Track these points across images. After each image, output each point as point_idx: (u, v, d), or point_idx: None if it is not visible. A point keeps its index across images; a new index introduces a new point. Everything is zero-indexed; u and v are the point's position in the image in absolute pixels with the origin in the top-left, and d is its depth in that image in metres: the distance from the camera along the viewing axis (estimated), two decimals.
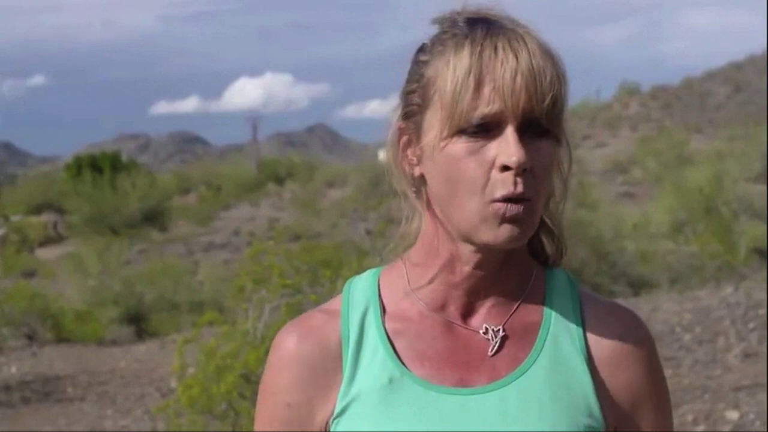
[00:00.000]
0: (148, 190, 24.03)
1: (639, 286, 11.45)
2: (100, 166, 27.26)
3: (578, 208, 12.41)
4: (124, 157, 31.16)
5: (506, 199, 1.23)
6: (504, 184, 1.23)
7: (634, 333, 1.34)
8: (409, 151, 1.33)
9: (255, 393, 5.80)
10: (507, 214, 1.23)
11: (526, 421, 1.27)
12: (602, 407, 1.31)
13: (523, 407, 1.28)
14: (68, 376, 9.84)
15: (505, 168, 1.23)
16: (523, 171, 1.23)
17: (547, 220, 1.38)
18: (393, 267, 1.39)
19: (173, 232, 23.77)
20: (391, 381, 1.30)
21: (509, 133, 1.23)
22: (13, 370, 10.23)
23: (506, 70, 1.22)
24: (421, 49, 1.32)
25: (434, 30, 1.32)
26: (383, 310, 1.36)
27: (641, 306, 9.34)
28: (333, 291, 6.10)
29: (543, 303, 1.35)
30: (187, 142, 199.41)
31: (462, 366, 1.31)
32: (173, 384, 7.58)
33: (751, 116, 27.47)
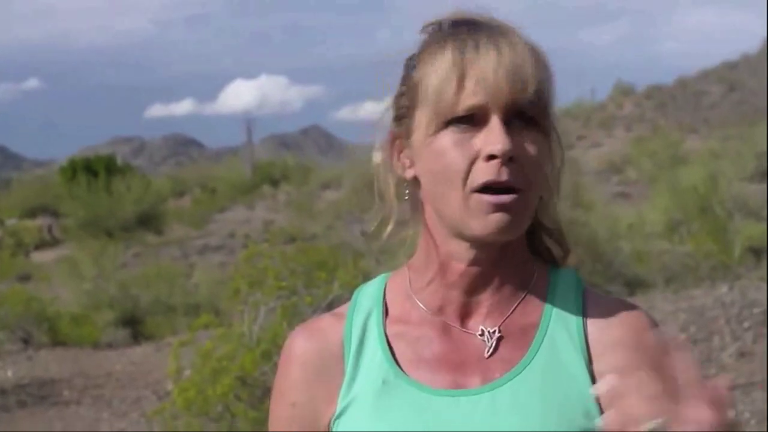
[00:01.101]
0: (143, 193, 23.95)
1: (634, 285, 11.44)
2: (95, 170, 27.12)
3: (573, 208, 12.41)
4: (118, 161, 30.99)
5: (488, 188, 1.24)
6: (487, 172, 1.23)
7: (639, 333, 1.31)
8: (402, 155, 1.35)
9: (251, 395, 5.82)
10: (493, 202, 1.23)
11: (515, 421, 1.27)
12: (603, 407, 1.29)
13: (513, 408, 1.28)
14: (64, 380, 9.83)
15: (491, 157, 1.23)
16: (509, 160, 1.23)
17: (545, 219, 1.38)
18: (399, 272, 1.42)
19: (168, 235, 23.73)
20: (385, 383, 1.31)
21: (494, 123, 1.24)
22: (9, 373, 10.22)
23: (488, 63, 1.24)
24: (410, 57, 1.34)
25: (423, 37, 1.35)
26: (386, 313, 1.38)
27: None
28: (328, 293, 6.11)
29: (544, 303, 1.35)
30: (182, 144, 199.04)
31: (457, 368, 1.32)
32: (169, 387, 7.57)
33: (746, 116, 27.48)
